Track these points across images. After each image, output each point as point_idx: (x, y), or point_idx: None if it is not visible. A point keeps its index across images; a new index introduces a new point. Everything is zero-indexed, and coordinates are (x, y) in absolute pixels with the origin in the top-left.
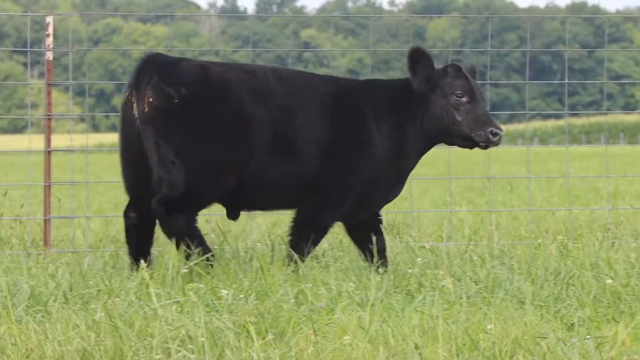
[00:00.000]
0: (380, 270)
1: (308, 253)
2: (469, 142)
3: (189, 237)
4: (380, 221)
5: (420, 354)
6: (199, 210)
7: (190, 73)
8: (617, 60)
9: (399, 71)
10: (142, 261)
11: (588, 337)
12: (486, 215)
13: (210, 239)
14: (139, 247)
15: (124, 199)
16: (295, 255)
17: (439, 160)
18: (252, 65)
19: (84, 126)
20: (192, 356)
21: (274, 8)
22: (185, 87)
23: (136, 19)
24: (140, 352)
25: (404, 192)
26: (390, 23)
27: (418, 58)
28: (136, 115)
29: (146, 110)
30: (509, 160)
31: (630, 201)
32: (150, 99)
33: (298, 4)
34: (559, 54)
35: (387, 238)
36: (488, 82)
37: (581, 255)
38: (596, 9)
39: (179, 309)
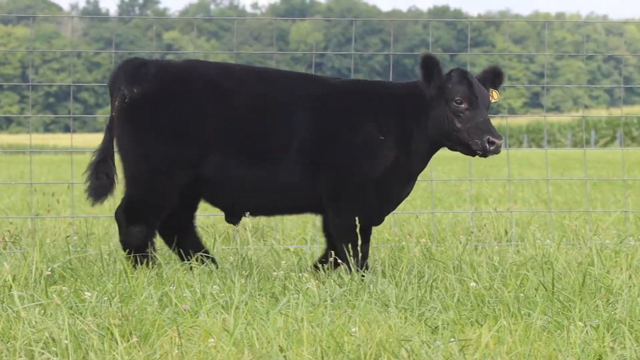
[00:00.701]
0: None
1: (355, 256)
2: (467, 150)
3: (140, 252)
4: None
5: (285, 356)
6: (158, 217)
7: (147, 73)
8: (480, 65)
9: None
10: (5, 264)
11: (452, 339)
12: None
13: (73, 241)
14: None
15: None
16: (343, 264)
17: None
18: (232, 64)
19: None
20: (55, 359)
21: (137, 10)
22: (138, 86)
23: None
24: (3, 354)
25: None
26: (253, 26)
27: (432, 66)
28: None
29: (113, 114)
30: None
31: (492, 204)
32: (116, 102)
33: (160, 5)
34: None
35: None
36: None
37: (444, 258)
38: (458, 13)
39: (42, 311)
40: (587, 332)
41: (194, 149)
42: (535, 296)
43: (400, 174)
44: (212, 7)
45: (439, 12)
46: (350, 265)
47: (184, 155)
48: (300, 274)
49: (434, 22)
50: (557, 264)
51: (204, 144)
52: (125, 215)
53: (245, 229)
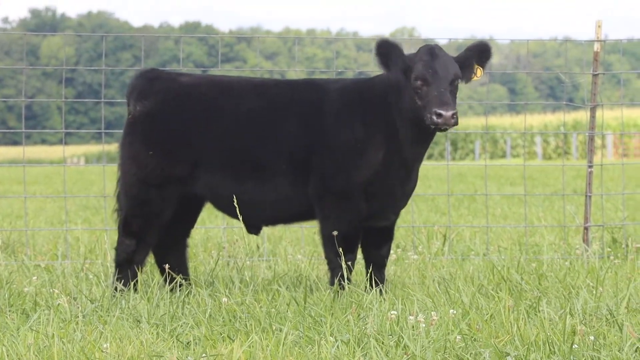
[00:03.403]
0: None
1: (339, 266)
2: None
3: (126, 265)
4: (389, 235)
5: None
6: (149, 232)
7: (150, 88)
8: None
9: (13, 89)
10: None
11: (204, 355)
12: (102, 234)
13: None
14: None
15: None
16: (330, 273)
17: (55, 179)
18: (231, 77)
19: None
20: None
21: None
22: (140, 102)
23: None
24: None
25: (19, 210)
26: (3, 40)
27: (388, 51)
28: None
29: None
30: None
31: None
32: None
33: None
34: None
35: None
36: (103, 100)
37: (197, 273)
38: (210, 29)
39: None
40: (338, 346)
41: (185, 166)
42: (287, 311)
43: (396, 168)
44: None
45: (191, 28)
46: (334, 277)
47: (176, 172)
48: (51, 290)
49: (185, 37)
50: (308, 280)
51: (195, 161)
52: (121, 227)
53: None
